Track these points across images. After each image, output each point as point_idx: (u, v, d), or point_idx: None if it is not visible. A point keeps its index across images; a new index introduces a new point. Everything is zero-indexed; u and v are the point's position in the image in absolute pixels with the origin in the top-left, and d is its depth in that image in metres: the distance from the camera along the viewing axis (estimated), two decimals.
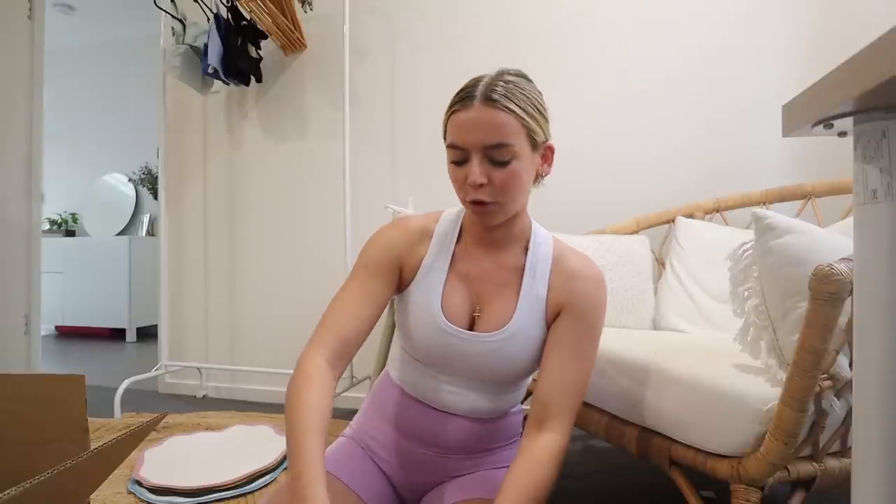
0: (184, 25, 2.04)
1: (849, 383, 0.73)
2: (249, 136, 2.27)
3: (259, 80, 2.15)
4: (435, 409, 0.80)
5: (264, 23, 2.00)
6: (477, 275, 0.78)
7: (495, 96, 0.67)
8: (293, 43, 2.13)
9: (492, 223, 0.73)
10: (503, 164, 0.68)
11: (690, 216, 1.63)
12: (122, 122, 4.28)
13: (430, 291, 0.76)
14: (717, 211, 1.63)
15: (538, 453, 0.69)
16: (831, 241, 0.78)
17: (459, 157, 0.70)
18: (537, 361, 0.77)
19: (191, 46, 2.05)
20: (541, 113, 0.71)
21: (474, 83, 0.70)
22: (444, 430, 0.79)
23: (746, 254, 0.90)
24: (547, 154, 0.76)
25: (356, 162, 2.02)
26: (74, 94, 4.43)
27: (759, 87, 1.73)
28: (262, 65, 2.15)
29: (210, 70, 1.96)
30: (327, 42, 2.13)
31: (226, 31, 1.96)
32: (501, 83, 0.68)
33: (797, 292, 0.76)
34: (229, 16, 1.99)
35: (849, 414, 0.77)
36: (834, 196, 1.44)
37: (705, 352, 1.01)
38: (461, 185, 0.71)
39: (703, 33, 1.78)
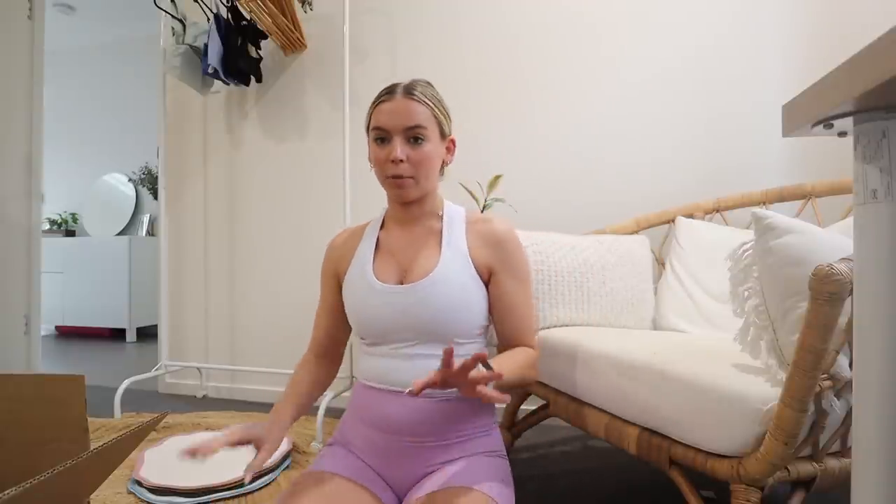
0: (184, 25, 2.04)
1: (849, 383, 0.73)
2: (249, 136, 2.27)
3: (259, 80, 2.15)
4: (396, 392, 0.81)
5: (264, 23, 2.00)
6: (400, 246, 0.90)
7: (414, 91, 0.84)
8: (293, 43, 2.13)
9: (408, 197, 0.86)
10: (418, 143, 0.83)
11: (690, 216, 1.63)
12: (122, 122, 4.27)
13: (363, 265, 0.89)
14: (717, 211, 1.63)
15: (518, 349, 0.87)
16: (831, 241, 0.78)
17: (381, 136, 0.84)
18: (476, 313, 0.85)
19: (191, 46, 2.05)
20: (445, 112, 0.89)
21: (395, 84, 0.85)
22: (409, 413, 0.80)
23: (746, 254, 0.90)
24: (450, 146, 0.91)
25: (356, 162, 2.02)
26: (74, 94, 4.43)
27: (759, 86, 1.73)
28: (262, 65, 2.15)
29: (210, 70, 1.96)
30: (327, 42, 2.13)
31: (226, 31, 1.97)
32: (418, 84, 0.85)
33: (797, 292, 0.76)
34: (229, 16, 1.99)
35: (849, 414, 0.77)
36: (834, 196, 1.43)
37: (705, 352, 1.01)
38: (383, 164, 0.84)
39: (702, 33, 1.78)
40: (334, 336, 0.96)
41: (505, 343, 0.89)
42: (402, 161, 0.82)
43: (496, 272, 0.87)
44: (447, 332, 0.82)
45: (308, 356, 0.95)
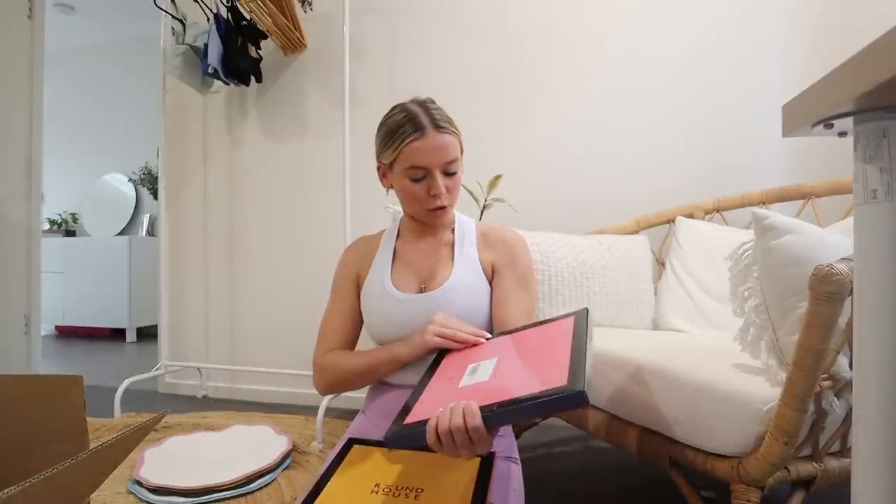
0: (184, 25, 2.04)
1: (849, 383, 0.73)
2: (249, 136, 2.27)
3: (259, 80, 2.15)
4: None
5: (264, 23, 2.00)
6: (417, 258, 0.95)
7: (442, 123, 0.85)
8: (293, 43, 2.13)
9: (445, 221, 0.94)
10: (453, 174, 0.88)
11: (690, 216, 1.63)
12: (122, 122, 4.27)
13: (381, 274, 0.93)
14: (717, 211, 1.63)
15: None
16: (831, 241, 0.78)
17: (419, 175, 0.86)
18: (487, 315, 0.89)
19: (191, 46, 2.05)
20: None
21: (415, 114, 0.85)
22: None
23: (746, 254, 0.90)
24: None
25: (356, 162, 2.02)
26: (74, 94, 4.43)
27: (759, 86, 1.73)
28: (262, 65, 2.15)
29: (210, 70, 1.96)
30: (327, 42, 2.13)
31: (226, 31, 1.96)
32: (436, 111, 0.87)
33: (797, 292, 0.76)
34: (229, 16, 1.99)
35: (849, 414, 0.77)
36: (834, 196, 1.43)
37: (705, 352, 1.02)
38: (422, 199, 0.87)
39: (702, 33, 1.78)
40: (350, 339, 0.95)
41: (497, 324, 0.89)
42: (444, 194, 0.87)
43: (498, 269, 0.91)
44: None
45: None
